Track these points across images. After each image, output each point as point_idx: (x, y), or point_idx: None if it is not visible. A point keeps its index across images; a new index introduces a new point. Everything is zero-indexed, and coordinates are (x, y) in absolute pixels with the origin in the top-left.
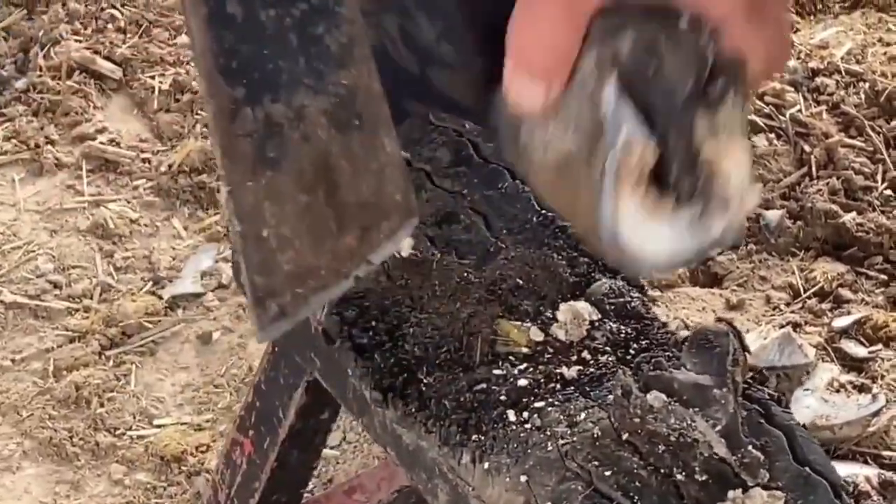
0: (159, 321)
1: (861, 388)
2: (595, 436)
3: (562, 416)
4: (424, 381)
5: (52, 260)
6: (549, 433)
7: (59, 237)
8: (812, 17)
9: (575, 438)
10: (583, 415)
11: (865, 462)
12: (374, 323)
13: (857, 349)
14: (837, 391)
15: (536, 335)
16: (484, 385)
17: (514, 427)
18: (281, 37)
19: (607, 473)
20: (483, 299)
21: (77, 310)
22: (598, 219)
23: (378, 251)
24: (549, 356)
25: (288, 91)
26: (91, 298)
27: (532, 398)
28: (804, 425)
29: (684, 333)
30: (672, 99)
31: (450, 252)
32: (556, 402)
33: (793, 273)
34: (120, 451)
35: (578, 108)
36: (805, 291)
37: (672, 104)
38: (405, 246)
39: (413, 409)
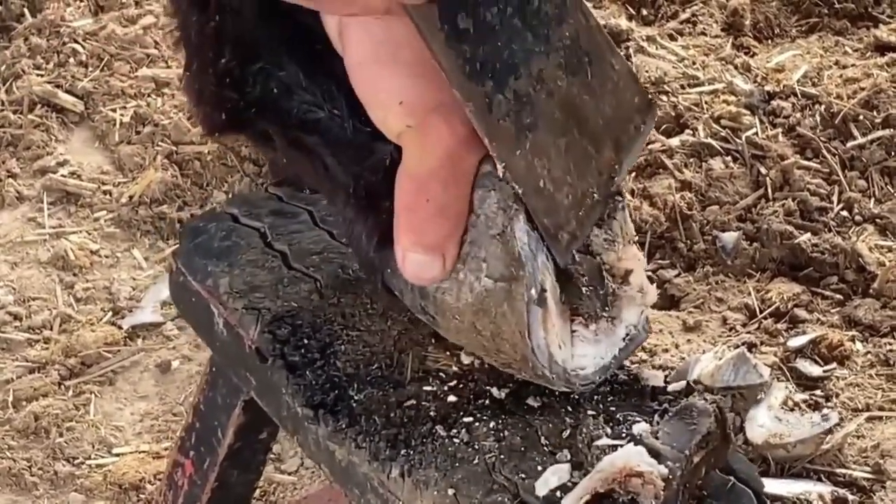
0: (119, 351)
1: (815, 407)
2: (522, 449)
3: (489, 431)
4: (355, 397)
5: (13, 292)
6: (476, 447)
7: (19, 269)
8: (769, 41)
9: (502, 452)
10: (510, 430)
11: (819, 479)
12: (306, 341)
13: (811, 368)
14: (792, 410)
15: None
16: (414, 401)
17: (442, 442)
18: (507, 25)
19: (534, 485)
20: (414, 318)
21: (37, 341)
22: (531, 348)
23: (631, 151)
24: (479, 375)
25: (525, 65)
26: (51, 329)
27: (461, 414)
28: (758, 444)
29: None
30: None
31: None
32: (485, 418)
33: (749, 294)
34: (79, 479)
35: (488, 248)
36: (761, 312)
37: None
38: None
39: (344, 426)
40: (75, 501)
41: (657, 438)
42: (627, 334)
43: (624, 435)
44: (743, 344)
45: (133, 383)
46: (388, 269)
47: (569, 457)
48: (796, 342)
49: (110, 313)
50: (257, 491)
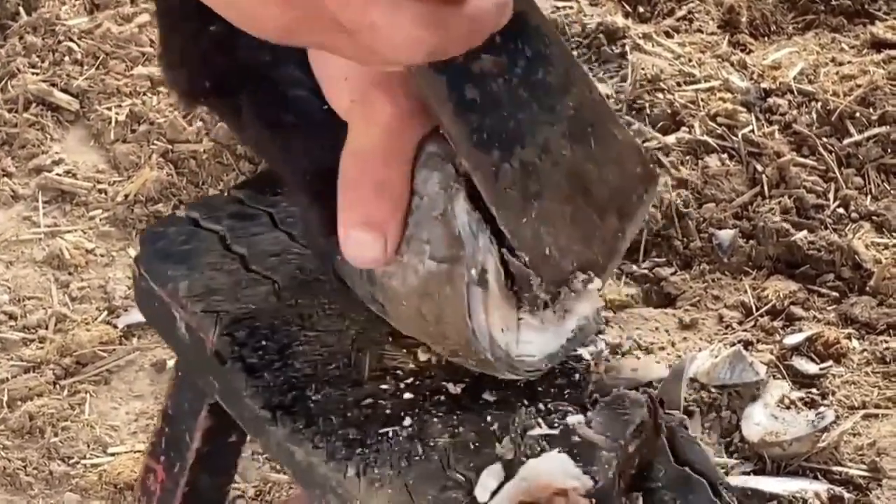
0: (114, 350)
1: (811, 405)
2: (476, 444)
3: (444, 428)
4: (313, 397)
5: (8, 291)
6: (431, 444)
7: (14, 268)
8: (766, 38)
9: (456, 449)
10: (465, 425)
11: (815, 478)
12: (264, 342)
13: (808, 366)
14: (788, 408)
15: (424, 356)
16: (370, 400)
17: (397, 440)
18: (513, 96)
19: None
20: (372, 317)
21: (32, 340)
22: (472, 330)
23: (634, 219)
24: (436, 371)
25: (531, 134)
26: (46, 328)
27: (416, 411)
28: (754, 442)
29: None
30: None
31: None
32: (440, 414)
33: (745, 292)
34: (74, 479)
35: (430, 230)
36: (757, 310)
37: None
38: None
39: (301, 426)
40: (70, 501)
41: (591, 428)
42: (578, 325)
43: (556, 424)
44: (739, 342)
45: (128, 382)
46: (338, 257)
47: (509, 453)
48: (792, 340)
49: (105, 312)
50: (252, 490)
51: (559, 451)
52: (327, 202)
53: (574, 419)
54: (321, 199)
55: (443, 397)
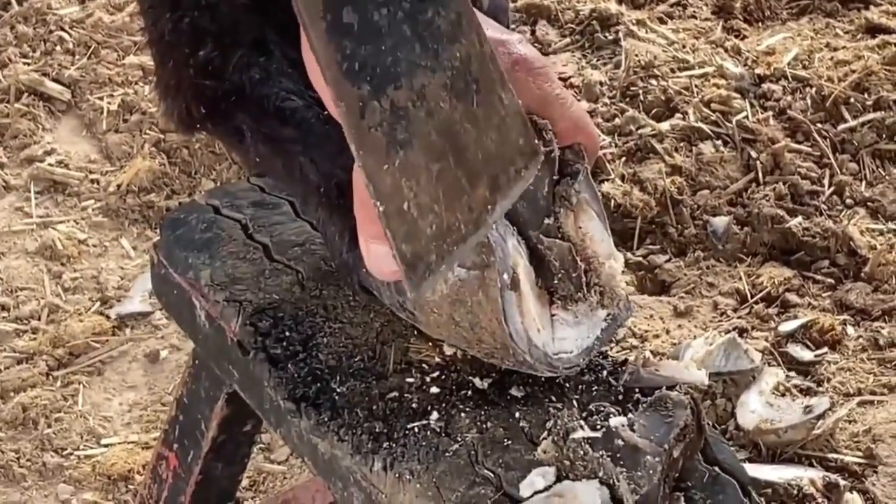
0: (107, 341)
1: (806, 392)
2: (504, 441)
3: (472, 423)
4: (338, 390)
5: (0, 282)
6: (458, 439)
7: (7, 259)
8: (760, 24)
9: (484, 444)
10: (493, 421)
11: (810, 465)
12: (287, 333)
13: (803, 353)
14: (783, 395)
15: (449, 350)
16: (396, 393)
17: (424, 434)
18: (395, 30)
19: (517, 477)
20: None
21: (25, 331)
22: (509, 335)
23: (508, 194)
24: (461, 365)
25: (408, 76)
26: (39, 320)
27: (443, 405)
28: (749, 429)
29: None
30: (537, 203)
31: None
32: (467, 409)
33: (740, 279)
34: (67, 471)
35: None
36: (752, 297)
37: (537, 207)
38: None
39: (326, 419)
40: (64, 493)
41: (634, 431)
42: (609, 314)
43: (599, 427)
44: (734, 329)
45: (121, 373)
46: (363, 269)
47: (552, 452)
48: (787, 327)
49: (98, 303)
50: (247, 480)
51: (600, 483)
52: (345, 216)
53: (617, 421)
54: (339, 214)
55: (469, 392)
